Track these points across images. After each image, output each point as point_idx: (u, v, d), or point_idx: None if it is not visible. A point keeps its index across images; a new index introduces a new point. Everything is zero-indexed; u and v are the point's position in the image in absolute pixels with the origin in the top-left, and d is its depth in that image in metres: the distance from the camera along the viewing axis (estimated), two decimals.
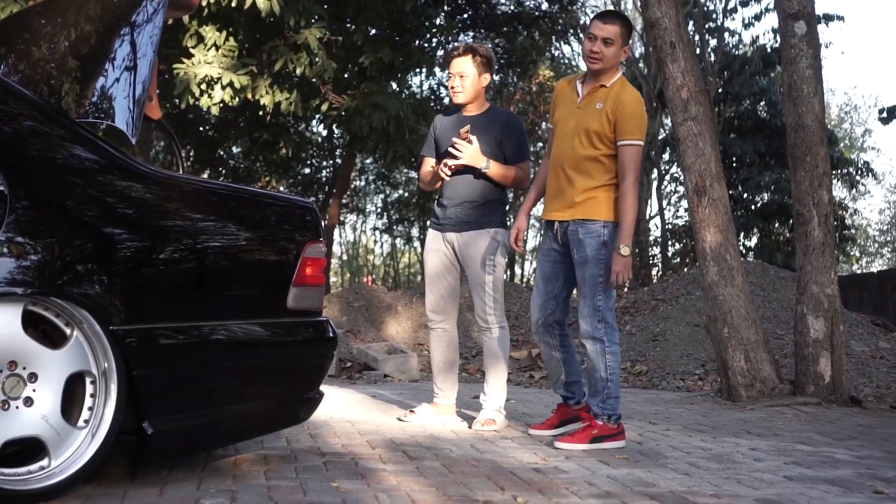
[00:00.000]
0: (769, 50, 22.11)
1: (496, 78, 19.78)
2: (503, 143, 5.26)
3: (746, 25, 24.54)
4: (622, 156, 4.60)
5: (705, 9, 22.83)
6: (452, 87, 5.32)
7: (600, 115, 4.64)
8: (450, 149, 5.17)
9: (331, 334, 3.84)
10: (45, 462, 2.93)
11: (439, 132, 5.45)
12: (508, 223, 5.35)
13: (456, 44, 5.38)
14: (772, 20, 23.57)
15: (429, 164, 5.50)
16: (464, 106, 5.37)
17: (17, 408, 2.88)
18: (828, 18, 20.83)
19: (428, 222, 6.01)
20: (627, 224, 4.57)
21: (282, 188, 22.59)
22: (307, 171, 24.00)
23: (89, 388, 3.06)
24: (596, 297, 4.61)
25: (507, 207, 5.65)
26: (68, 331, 3.01)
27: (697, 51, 20.25)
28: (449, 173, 5.20)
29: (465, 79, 5.28)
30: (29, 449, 2.93)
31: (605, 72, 4.71)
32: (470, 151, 5.13)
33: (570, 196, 4.71)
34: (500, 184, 5.27)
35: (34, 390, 2.91)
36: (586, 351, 4.68)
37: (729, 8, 22.61)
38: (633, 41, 28.01)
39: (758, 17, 22.29)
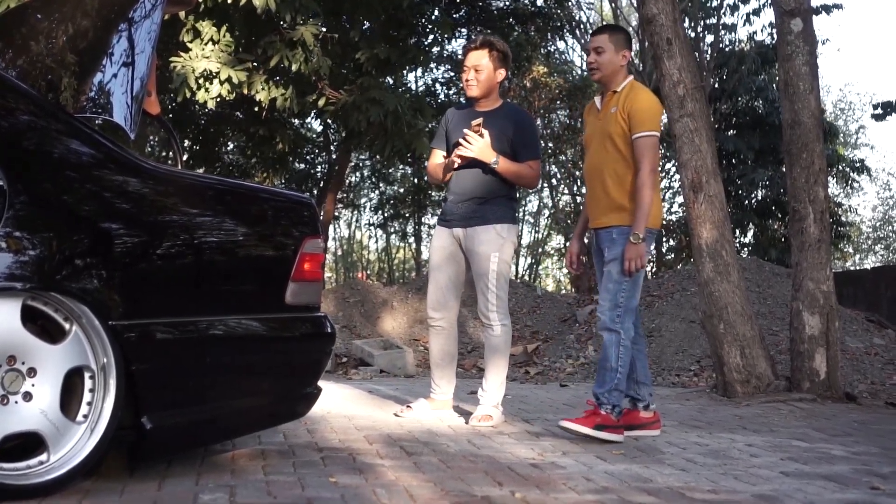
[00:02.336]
0: (768, 45, 22.07)
1: None
2: (514, 140, 5.24)
3: (745, 21, 24.52)
4: (636, 148, 4.72)
5: (706, 4, 22.81)
6: (466, 81, 5.30)
7: (616, 118, 4.78)
8: (460, 140, 5.15)
9: (329, 330, 3.85)
10: (44, 457, 2.94)
11: (451, 125, 5.43)
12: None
13: (473, 37, 5.35)
14: (771, 15, 23.54)
15: (438, 156, 5.48)
16: (477, 100, 5.35)
17: (17, 402, 2.88)
18: (827, 9, 20.81)
19: (436, 219, 6.01)
20: (641, 213, 4.64)
21: (277, 183, 22.57)
22: (302, 166, 23.96)
23: (88, 383, 3.07)
24: (619, 293, 4.69)
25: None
26: (67, 326, 3.02)
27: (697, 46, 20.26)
28: (458, 161, 5.18)
29: (479, 72, 5.26)
30: (28, 443, 2.93)
31: (610, 79, 4.88)
32: (480, 145, 5.10)
33: (605, 203, 4.83)
34: (507, 180, 5.26)
35: (33, 385, 2.92)
36: (602, 341, 4.74)
37: (728, 4, 22.59)
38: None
39: (756, 13, 22.27)
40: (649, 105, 4.77)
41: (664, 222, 26.73)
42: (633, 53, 24.73)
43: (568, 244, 5.40)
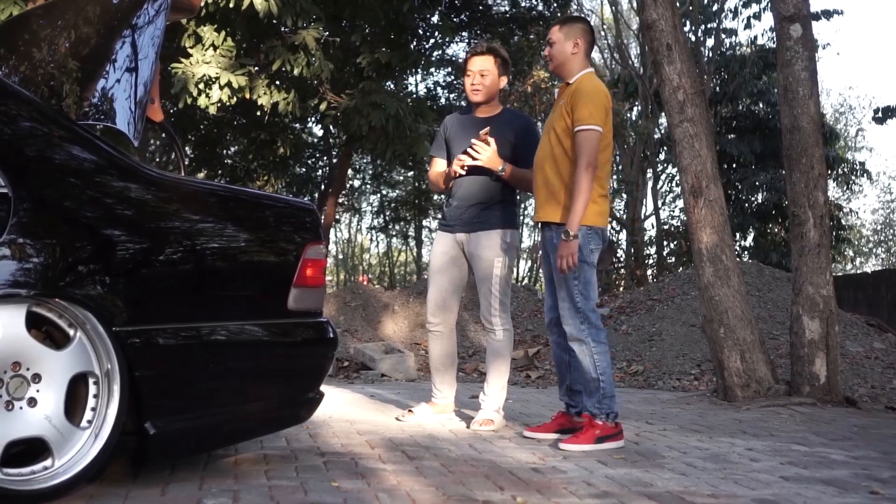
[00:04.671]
0: (768, 49, 22.12)
1: None
2: (518, 146, 5.23)
3: (746, 25, 24.57)
4: (575, 142, 4.63)
5: (707, 8, 22.85)
6: (472, 85, 5.29)
7: (561, 111, 4.72)
8: (469, 150, 5.15)
9: (331, 335, 3.86)
10: (48, 462, 2.95)
11: (451, 133, 5.43)
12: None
13: (477, 42, 5.39)
14: (772, 19, 23.61)
15: (439, 164, 5.48)
16: (478, 106, 5.36)
17: (21, 408, 2.89)
18: (827, 14, 20.89)
19: (437, 224, 6.02)
20: (574, 211, 4.55)
21: (278, 187, 22.59)
22: (303, 170, 24.00)
23: (92, 389, 3.08)
24: (574, 298, 4.64)
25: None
26: (71, 332, 3.03)
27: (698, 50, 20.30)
28: (462, 171, 5.19)
29: (485, 77, 5.27)
30: (33, 449, 2.94)
31: (563, 68, 4.84)
32: (488, 153, 5.11)
33: (544, 197, 4.79)
34: (511, 186, 5.27)
35: (38, 391, 2.93)
36: (575, 353, 4.70)
37: (728, 8, 22.66)
38: (626, 41, 28.02)
39: (756, 17, 22.33)
40: (593, 98, 4.64)
41: (665, 227, 26.76)
42: (633, 56, 24.62)
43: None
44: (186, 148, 18.54)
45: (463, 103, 15.28)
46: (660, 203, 28.26)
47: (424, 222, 31.74)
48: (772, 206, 22.83)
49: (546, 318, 5.05)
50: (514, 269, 5.76)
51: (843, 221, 26.21)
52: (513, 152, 5.21)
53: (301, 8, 11.77)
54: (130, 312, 3.10)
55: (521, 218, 30.99)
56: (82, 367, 3.04)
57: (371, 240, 41.61)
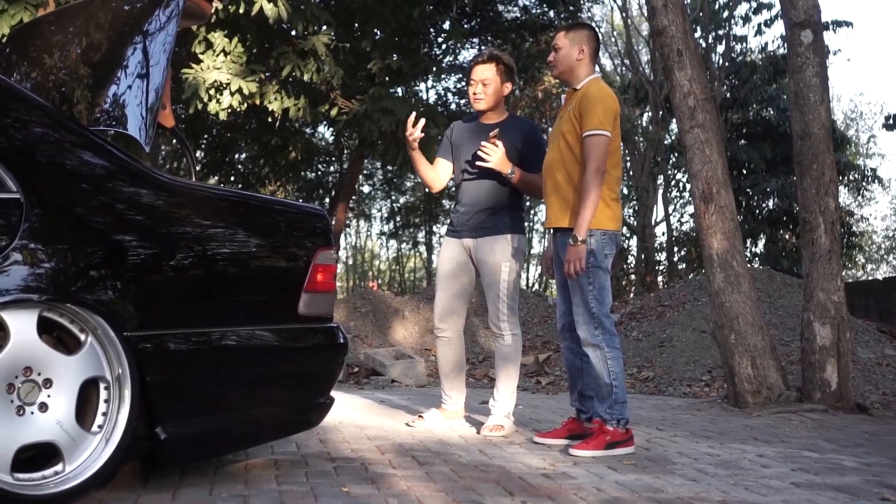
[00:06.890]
0: (777, 55, 22.08)
1: None
2: (525, 151, 5.23)
3: (757, 32, 24.56)
4: (584, 146, 4.63)
5: (717, 14, 22.83)
6: (474, 94, 5.31)
7: (569, 116, 4.74)
8: (478, 152, 5.16)
9: (341, 340, 3.87)
10: (59, 467, 2.96)
11: (455, 138, 5.45)
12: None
13: (481, 50, 5.43)
14: (782, 27, 23.60)
15: (438, 162, 5.50)
16: (483, 113, 5.37)
17: (33, 413, 2.91)
18: (836, 24, 20.86)
19: (444, 230, 6.03)
20: (583, 216, 4.55)
21: (290, 191, 22.64)
22: (313, 175, 24.03)
23: (103, 394, 3.09)
24: (589, 303, 4.63)
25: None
26: (82, 337, 3.04)
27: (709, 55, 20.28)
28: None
29: (487, 86, 5.28)
30: (44, 454, 2.96)
31: (569, 75, 4.86)
32: (498, 155, 5.12)
33: (556, 203, 4.79)
34: (517, 190, 5.27)
35: (49, 396, 2.94)
36: (589, 358, 4.68)
37: (739, 14, 22.62)
38: (637, 47, 28.02)
39: (767, 24, 22.29)
40: (601, 103, 4.64)
41: (675, 234, 26.71)
42: (644, 61, 24.63)
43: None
44: (197, 153, 18.58)
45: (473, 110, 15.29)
46: (670, 209, 28.24)
47: (434, 228, 31.76)
48: (783, 212, 22.78)
49: (558, 324, 5.05)
50: (523, 275, 5.75)
51: (855, 228, 26.15)
52: (519, 158, 5.22)
53: (311, 14, 11.80)
54: (141, 317, 3.11)
55: (531, 223, 31.01)
56: (93, 372, 3.05)
57: (381, 245, 41.65)
